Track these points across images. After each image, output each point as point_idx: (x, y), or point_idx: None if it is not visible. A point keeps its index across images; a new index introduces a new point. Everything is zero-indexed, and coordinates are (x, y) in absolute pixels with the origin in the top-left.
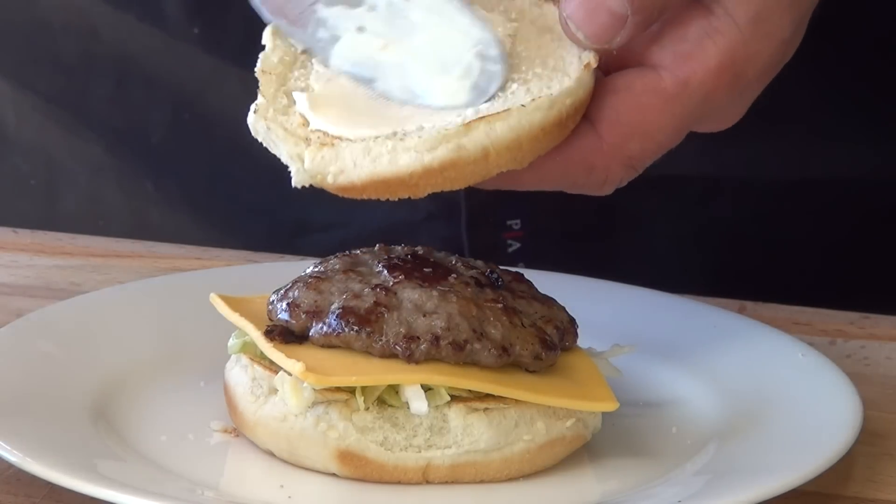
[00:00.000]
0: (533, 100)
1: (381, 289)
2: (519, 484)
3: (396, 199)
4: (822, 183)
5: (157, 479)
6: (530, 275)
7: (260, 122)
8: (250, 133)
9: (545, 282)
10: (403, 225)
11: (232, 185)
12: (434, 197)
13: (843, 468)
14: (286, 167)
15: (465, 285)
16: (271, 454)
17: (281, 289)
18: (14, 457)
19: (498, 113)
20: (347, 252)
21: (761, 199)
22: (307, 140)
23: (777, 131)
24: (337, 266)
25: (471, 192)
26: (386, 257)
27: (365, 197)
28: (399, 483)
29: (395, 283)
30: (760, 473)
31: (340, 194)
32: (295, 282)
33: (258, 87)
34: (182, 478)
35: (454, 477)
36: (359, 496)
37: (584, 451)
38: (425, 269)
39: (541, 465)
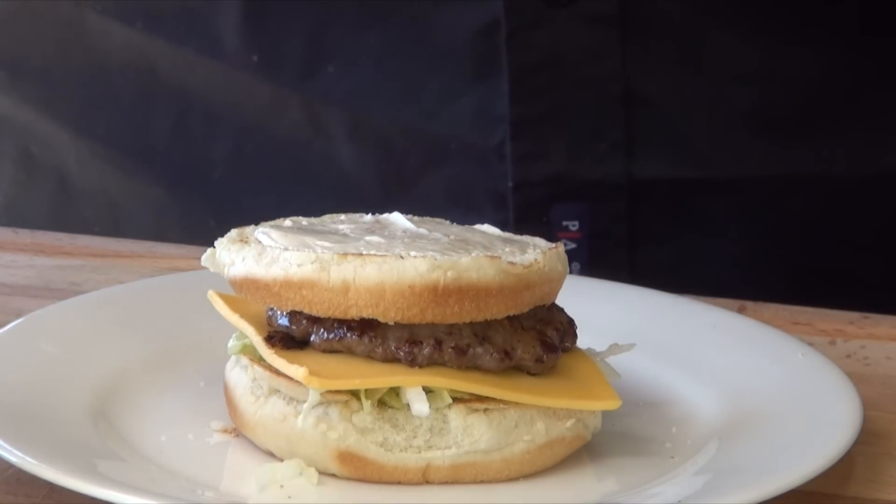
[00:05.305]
0: (414, 255)
1: None
2: (519, 484)
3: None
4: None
5: (157, 479)
6: None
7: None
8: (310, 159)
9: None
10: None
11: (294, 212)
12: (489, 197)
13: (843, 468)
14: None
15: None
16: (271, 454)
17: None
18: (14, 457)
19: (376, 255)
20: None
21: (835, 196)
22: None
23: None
24: None
25: (518, 188)
26: None
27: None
28: (399, 483)
29: None
30: (760, 473)
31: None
32: None
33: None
34: (182, 478)
35: (454, 477)
36: (359, 496)
37: (584, 451)
38: None
39: (541, 465)
